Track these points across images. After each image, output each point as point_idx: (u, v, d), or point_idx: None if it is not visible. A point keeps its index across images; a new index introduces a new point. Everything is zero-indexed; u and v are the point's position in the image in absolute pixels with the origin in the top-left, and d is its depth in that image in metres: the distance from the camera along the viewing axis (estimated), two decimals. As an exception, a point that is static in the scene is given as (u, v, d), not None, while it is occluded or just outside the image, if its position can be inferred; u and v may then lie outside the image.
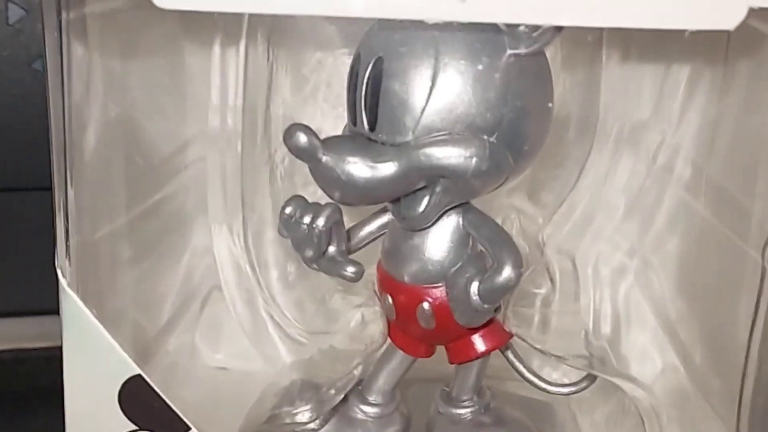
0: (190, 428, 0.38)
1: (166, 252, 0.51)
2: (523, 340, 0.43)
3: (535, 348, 0.43)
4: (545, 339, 0.44)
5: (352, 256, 0.42)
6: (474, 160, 0.37)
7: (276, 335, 0.50)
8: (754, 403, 0.40)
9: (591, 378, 0.45)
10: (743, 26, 0.32)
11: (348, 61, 0.40)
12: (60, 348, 0.39)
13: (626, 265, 0.50)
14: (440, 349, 0.44)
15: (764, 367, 0.39)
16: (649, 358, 0.50)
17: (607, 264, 0.50)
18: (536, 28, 0.35)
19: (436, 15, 0.33)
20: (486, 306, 0.39)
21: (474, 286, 0.39)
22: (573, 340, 0.46)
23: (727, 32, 0.32)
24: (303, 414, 0.44)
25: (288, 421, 0.44)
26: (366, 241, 0.44)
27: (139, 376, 0.38)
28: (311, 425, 0.44)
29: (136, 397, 0.38)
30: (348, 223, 0.43)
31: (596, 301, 0.49)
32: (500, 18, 0.33)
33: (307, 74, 0.49)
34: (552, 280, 0.46)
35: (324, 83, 0.49)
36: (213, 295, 0.53)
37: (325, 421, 0.45)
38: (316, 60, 0.49)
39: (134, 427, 0.39)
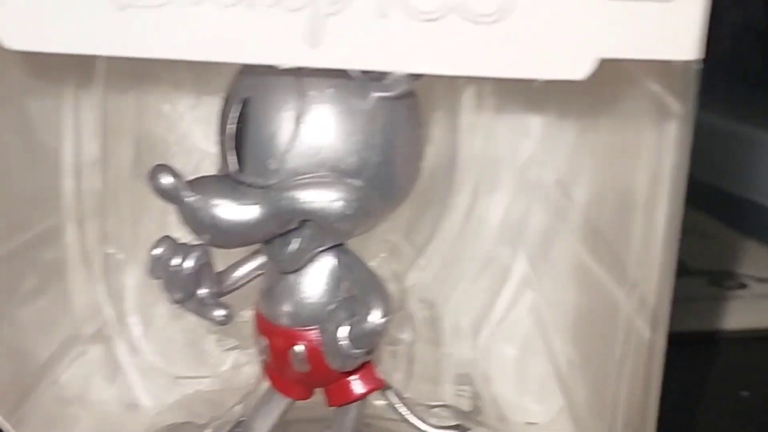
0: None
1: (54, 284, 0.49)
2: (389, 387, 0.42)
3: (402, 397, 0.43)
4: (411, 385, 0.43)
5: (227, 298, 0.42)
6: (340, 203, 0.36)
7: (140, 381, 0.49)
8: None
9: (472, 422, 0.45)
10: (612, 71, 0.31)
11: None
12: None
13: (487, 312, 0.50)
14: (320, 389, 0.44)
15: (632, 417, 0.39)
16: (523, 410, 0.50)
17: (468, 313, 0.49)
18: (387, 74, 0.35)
19: (286, 60, 0.32)
20: (356, 351, 0.38)
21: (343, 331, 0.38)
22: (440, 386, 0.45)
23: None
24: (177, 458, 0.43)
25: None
26: (241, 282, 0.43)
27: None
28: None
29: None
30: (226, 263, 0.42)
31: (457, 350, 0.48)
32: (352, 65, 0.33)
33: (184, 111, 0.48)
34: (413, 330, 0.46)
35: (203, 121, 0.48)
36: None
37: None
38: (193, 97, 0.48)
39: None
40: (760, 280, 0.77)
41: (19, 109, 0.45)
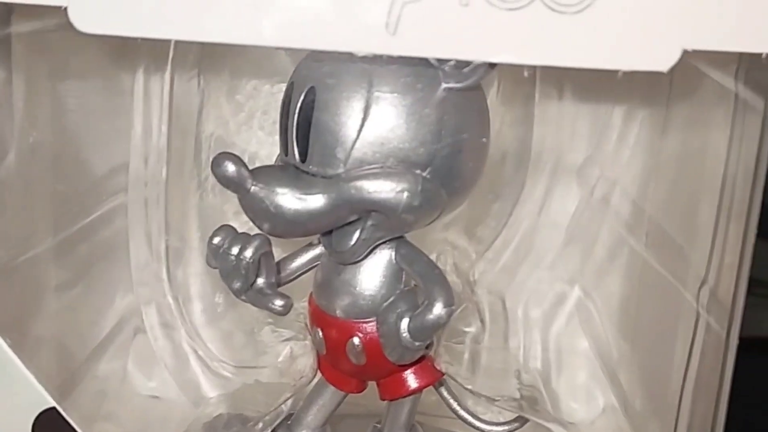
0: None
1: (97, 276, 0.49)
2: (454, 379, 0.42)
3: (465, 388, 0.42)
4: (475, 379, 0.43)
5: (283, 289, 0.41)
6: (406, 194, 0.36)
7: (199, 369, 0.48)
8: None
9: (524, 419, 0.44)
10: (683, 65, 0.31)
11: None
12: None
13: (558, 307, 0.49)
14: (372, 384, 0.43)
15: (697, 412, 0.38)
16: (584, 401, 0.49)
17: (539, 306, 0.49)
18: (467, 63, 0.34)
19: (365, 47, 0.32)
20: (416, 343, 0.38)
21: (404, 323, 0.38)
22: (504, 380, 0.45)
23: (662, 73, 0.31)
24: (228, 449, 0.43)
25: (213, 455, 0.43)
26: (297, 274, 0.43)
27: (54, 408, 0.37)
28: (237, 460, 0.43)
29: (50, 431, 0.37)
30: (280, 254, 0.42)
31: (526, 343, 0.48)
32: (430, 53, 0.32)
33: (242, 101, 0.48)
34: (482, 320, 0.46)
35: (260, 110, 0.48)
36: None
37: (251, 457, 0.43)
38: (251, 87, 0.48)
39: (48, 462, 0.37)
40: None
41: (99, 94, 0.45)
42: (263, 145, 0.48)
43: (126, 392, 0.52)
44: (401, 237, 0.40)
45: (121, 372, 0.52)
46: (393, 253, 0.40)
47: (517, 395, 0.43)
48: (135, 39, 0.32)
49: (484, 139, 0.38)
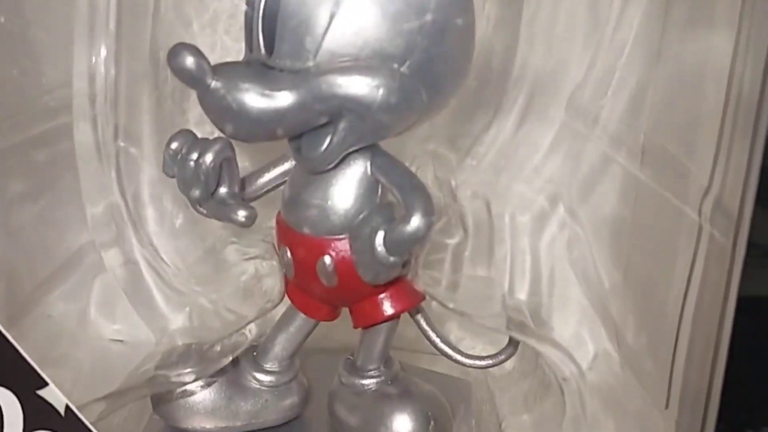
0: (47, 384, 0.33)
1: (58, 194, 0.45)
2: (434, 298, 0.39)
3: (446, 307, 0.39)
4: (456, 298, 0.39)
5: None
6: (381, 90, 0.33)
7: (152, 283, 0.44)
8: (687, 373, 0.36)
9: (509, 351, 0.41)
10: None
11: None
12: None
13: (548, 214, 0.45)
14: (346, 316, 0.40)
15: (697, 336, 0.35)
16: (569, 322, 0.46)
17: (527, 211, 0.45)
18: None
19: None
20: (392, 259, 0.34)
21: (379, 236, 0.34)
22: (488, 299, 0.41)
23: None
24: (187, 375, 0.39)
25: (173, 380, 0.39)
26: (265, 189, 0.39)
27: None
28: (195, 386, 0.40)
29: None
30: (249, 169, 0.39)
31: (513, 253, 0.44)
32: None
33: (207, 1, 0.44)
34: (465, 229, 0.42)
35: (226, 13, 0.44)
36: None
37: (210, 385, 0.40)
38: None
39: (-15, 382, 0.34)
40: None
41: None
42: (229, 52, 0.44)
43: (87, 334, 0.48)
44: (377, 146, 0.37)
45: (82, 312, 0.48)
46: (368, 164, 0.37)
47: (502, 312, 0.40)
48: None
49: (466, 39, 0.35)
